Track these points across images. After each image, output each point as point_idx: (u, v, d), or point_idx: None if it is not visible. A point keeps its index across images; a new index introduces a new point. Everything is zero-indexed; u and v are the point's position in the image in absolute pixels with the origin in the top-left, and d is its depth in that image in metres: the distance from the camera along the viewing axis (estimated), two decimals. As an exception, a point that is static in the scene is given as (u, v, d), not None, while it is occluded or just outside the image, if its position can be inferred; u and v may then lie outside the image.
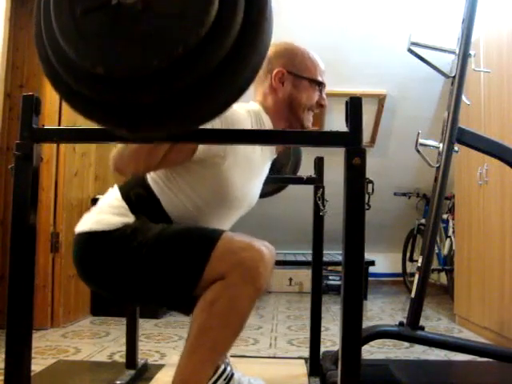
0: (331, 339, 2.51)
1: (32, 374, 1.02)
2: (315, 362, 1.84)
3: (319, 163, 1.86)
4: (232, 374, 1.48)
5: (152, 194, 1.33)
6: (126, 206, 1.31)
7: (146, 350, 2.24)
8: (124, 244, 1.25)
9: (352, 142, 0.96)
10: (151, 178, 1.34)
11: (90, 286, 1.43)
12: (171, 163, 1.27)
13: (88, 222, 1.36)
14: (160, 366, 1.91)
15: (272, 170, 1.63)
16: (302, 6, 2.98)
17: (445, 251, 3.94)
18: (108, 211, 1.33)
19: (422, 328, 1.83)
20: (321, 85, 1.48)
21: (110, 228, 1.28)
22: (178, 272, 1.22)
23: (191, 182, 1.31)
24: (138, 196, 1.33)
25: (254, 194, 1.46)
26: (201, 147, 1.22)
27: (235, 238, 1.22)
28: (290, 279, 4.42)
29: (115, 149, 1.24)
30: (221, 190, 1.31)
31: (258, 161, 1.39)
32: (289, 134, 1.14)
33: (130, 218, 1.29)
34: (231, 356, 2.18)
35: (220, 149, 1.24)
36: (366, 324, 2.15)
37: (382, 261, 4.72)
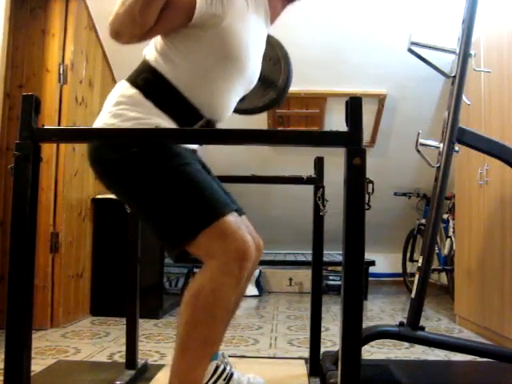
0: (331, 339, 2.51)
1: (32, 374, 1.02)
2: (315, 362, 1.84)
3: (319, 163, 1.86)
4: (232, 374, 1.48)
5: (158, 74, 1.33)
6: (138, 92, 1.32)
7: (146, 350, 2.24)
8: (149, 158, 1.25)
9: (352, 142, 0.96)
10: (154, 58, 1.35)
11: (103, 183, 1.38)
12: (168, 24, 1.28)
13: (105, 116, 1.33)
14: (160, 366, 1.91)
15: (265, 83, 1.67)
16: (302, 6, 2.98)
17: (445, 251, 3.93)
18: (123, 103, 1.32)
19: (423, 328, 1.83)
20: None
21: (129, 126, 1.27)
22: (177, 218, 1.25)
23: (192, 47, 1.32)
24: (145, 80, 1.34)
25: (255, 61, 1.45)
26: (198, 8, 1.23)
27: (235, 224, 1.24)
28: (290, 279, 4.42)
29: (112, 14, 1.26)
30: (223, 50, 1.32)
31: (254, 22, 1.40)
32: (289, 134, 1.14)
33: (147, 113, 1.29)
34: (231, 356, 2.18)
35: (217, 7, 1.26)
36: (366, 324, 2.15)
37: (382, 261, 4.72)
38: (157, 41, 1.36)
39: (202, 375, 1.26)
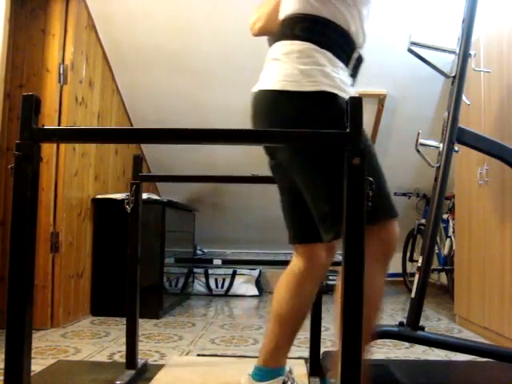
0: (331, 339, 2.51)
1: (32, 374, 1.02)
2: (315, 362, 1.84)
3: (319, 163, 1.86)
4: None
5: (311, 17, 1.30)
6: (306, 44, 1.28)
7: (146, 350, 2.24)
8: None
9: (352, 142, 0.96)
10: (298, 8, 1.31)
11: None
12: None
13: (279, 78, 1.29)
14: (160, 366, 1.91)
15: None
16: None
17: (445, 251, 3.93)
18: (295, 62, 1.27)
19: (422, 328, 1.83)
20: None
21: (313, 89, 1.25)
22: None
23: None
24: (302, 29, 1.30)
25: None
26: None
27: (396, 227, 1.32)
28: (290, 279, 4.41)
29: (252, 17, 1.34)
30: None
31: None
32: (289, 134, 1.14)
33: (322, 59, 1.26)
34: (231, 356, 2.18)
35: None
36: (366, 324, 2.15)
37: (382, 261, 4.71)
38: None
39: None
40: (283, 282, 1.44)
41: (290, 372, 1.49)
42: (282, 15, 1.37)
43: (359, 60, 1.38)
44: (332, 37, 1.29)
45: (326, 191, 1.27)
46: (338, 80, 1.27)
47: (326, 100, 1.25)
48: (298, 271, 1.42)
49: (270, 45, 1.42)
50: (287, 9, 1.35)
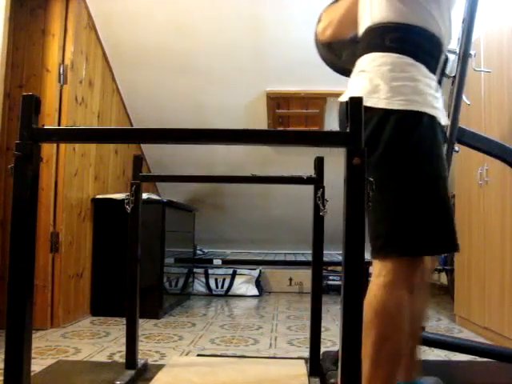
0: (331, 339, 2.51)
1: (32, 374, 1.02)
2: (315, 362, 1.84)
3: (319, 163, 1.86)
4: None
5: (401, 26, 1.24)
6: (399, 57, 1.23)
7: (146, 350, 2.24)
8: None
9: (352, 142, 0.95)
10: (385, 16, 1.26)
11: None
12: None
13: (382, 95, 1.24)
14: (160, 366, 1.91)
15: None
16: (302, 5, 2.98)
17: (445, 251, 3.93)
18: (386, 77, 1.23)
19: (423, 328, 1.82)
20: None
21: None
22: (419, 226, 1.21)
23: None
24: (393, 39, 1.25)
25: None
26: None
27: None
28: (290, 279, 4.42)
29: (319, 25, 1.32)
30: None
31: None
32: (289, 134, 1.14)
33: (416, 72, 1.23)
34: (231, 356, 2.18)
35: None
36: (366, 324, 2.15)
37: (382, 261, 4.71)
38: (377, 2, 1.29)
39: None
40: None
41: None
42: (368, 22, 1.31)
43: (445, 62, 1.35)
44: (425, 47, 1.25)
45: (386, 209, 1.24)
46: (429, 97, 1.24)
47: (413, 119, 1.22)
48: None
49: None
50: (375, 16, 1.29)
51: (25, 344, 0.96)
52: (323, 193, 1.80)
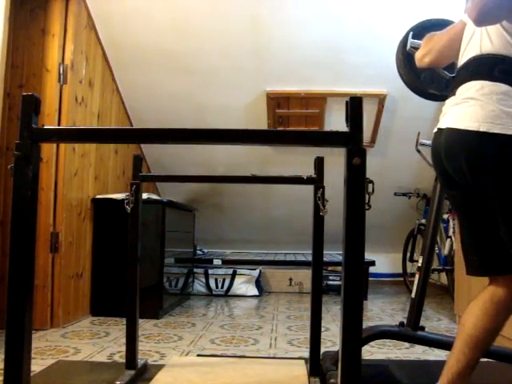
0: (331, 339, 2.51)
1: (32, 374, 1.02)
2: (315, 363, 1.84)
3: (319, 163, 1.86)
4: None
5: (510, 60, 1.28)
6: (506, 87, 1.25)
7: (146, 350, 2.24)
8: None
9: (352, 142, 0.95)
10: (498, 48, 1.30)
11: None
12: None
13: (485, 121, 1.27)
14: (160, 366, 1.91)
15: None
16: (302, 5, 2.98)
17: (445, 251, 3.93)
18: (498, 103, 1.25)
19: (423, 328, 1.83)
20: None
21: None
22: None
23: None
24: (502, 71, 1.28)
25: None
26: None
27: None
28: (290, 279, 4.42)
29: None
30: None
31: None
32: (289, 134, 1.14)
33: None
34: (231, 356, 2.18)
35: None
36: (366, 324, 2.15)
37: (382, 261, 4.72)
38: (498, 28, 1.31)
39: None
40: (482, 308, 1.47)
41: None
42: (477, 52, 1.35)
43: None
44: None
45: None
46: None
47: None
48: (499, 300, 1.44)
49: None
50: (484, 47, 1.33)
51: (25, 344, 0.96)
52: (323, 193, 1.80)
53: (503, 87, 1.27)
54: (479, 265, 1.44)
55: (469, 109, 1.31)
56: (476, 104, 1.29)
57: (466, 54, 1.40)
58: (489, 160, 1.28)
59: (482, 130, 1.25)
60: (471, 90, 1.32)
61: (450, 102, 1.42)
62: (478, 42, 1.35)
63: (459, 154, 1.31)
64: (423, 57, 1.59)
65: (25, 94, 1.00)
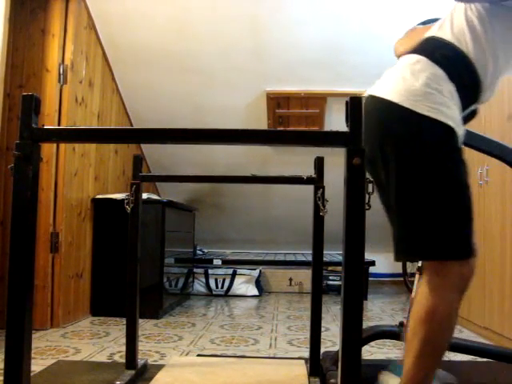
0: (331, 339, 2.51)
1: (32, 374, 1.02)
2: (315, 363, 1.84)
3: (319, 163, 1.86)
4: None
5: (459, 53, 1.29)
6: (440, 70, 1.27)
7: (146, 350, 2.24)
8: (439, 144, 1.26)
9: (352, 142, 0.95)
10: (456, 37, 1.31)
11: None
12: None
13: (402, 93, 1.28)
14: (160, 366, 1.91)
15: None
16: (301, 6, 2.98)
17: (445, 251, 3.93)
18: (424, 83, 1.26)
19: (422, 328, 1.82)
20: None
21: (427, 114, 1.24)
22: (446, 229, 1.25)
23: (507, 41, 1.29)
24: (444, 56, 1.29)
25: None
26: None
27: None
28: (290, 279, 4.42)
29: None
30: None
31: None
32: (289, 134, 1.14)
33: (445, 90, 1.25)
34: (231, 356, 2.18)
35: None
36: (366, 324, 2.15)
37: (383, 261, 4.71)
38: (462, 21, 1.33)
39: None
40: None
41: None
42: (432, 33, 1.37)
43: (472, 114, 1.38)
44: (465, 82, 1.29)
45: (416, 211, 1.28)
46: (456, 116, 1.28)
47: (444, 131, 1.26)
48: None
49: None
50: (441, 31, 1.35)
51: (25, 344, 0.96)
52: (323, 193, 1.80)
53: (437, 69, 1.27)
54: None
55: (396, 79, 1.34)
56: (404, 76, 1.31)
57: (428, 34, 1.41)
58: (392, 130, 1.29)
59: (394, 100, 1.27)
60: (408, 62, 1.34)
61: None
62: (440, 25, 1.38)
63: (372, 120, 1.31)
64: (400, 46, 1.58)
65: (25, 94, 1.00)
